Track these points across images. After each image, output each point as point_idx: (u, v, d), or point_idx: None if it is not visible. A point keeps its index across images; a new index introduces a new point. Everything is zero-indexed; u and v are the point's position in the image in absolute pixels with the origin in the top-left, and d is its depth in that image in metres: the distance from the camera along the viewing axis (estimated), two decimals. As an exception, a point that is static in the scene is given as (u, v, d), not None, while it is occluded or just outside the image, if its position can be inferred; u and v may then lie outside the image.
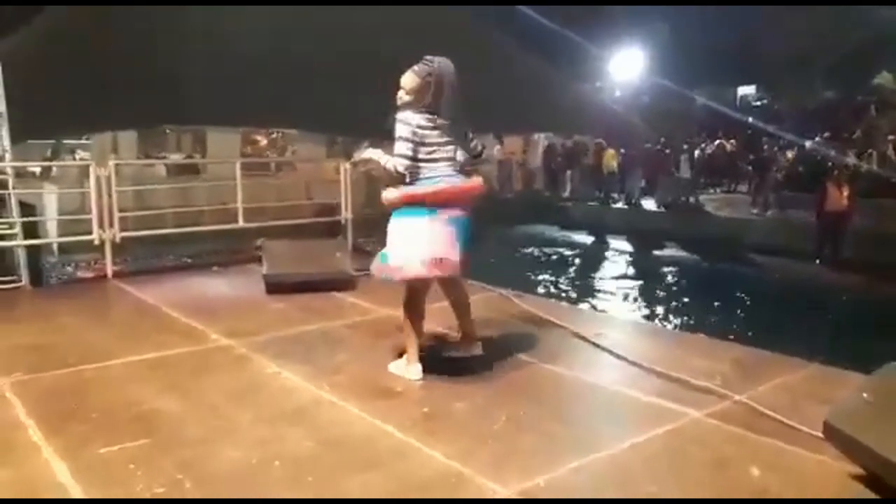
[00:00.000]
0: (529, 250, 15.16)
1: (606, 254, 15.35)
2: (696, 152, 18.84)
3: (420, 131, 3.38)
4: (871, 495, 2.40)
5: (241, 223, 6.79)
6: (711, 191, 19.64)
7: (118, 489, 2.49)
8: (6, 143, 5.63)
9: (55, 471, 2.63)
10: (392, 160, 3.41)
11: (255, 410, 3.20)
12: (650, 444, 2.86)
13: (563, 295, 10.75)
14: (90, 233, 6.11)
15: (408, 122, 3.38)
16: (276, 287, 5.43)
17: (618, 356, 3.95)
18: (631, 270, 13.45)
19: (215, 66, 6.65)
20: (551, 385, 3.57)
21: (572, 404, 3.41)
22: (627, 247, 15.78)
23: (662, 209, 17.70)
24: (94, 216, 6.04)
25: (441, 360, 3.72)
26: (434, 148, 3.43)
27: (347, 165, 7.23)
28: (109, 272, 6.16)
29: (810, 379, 3.60)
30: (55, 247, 7.76)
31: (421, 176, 3.43)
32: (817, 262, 12.50)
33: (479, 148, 3.68)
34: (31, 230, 5.92)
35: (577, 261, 14.42)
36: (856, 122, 21.65)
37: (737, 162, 19.24)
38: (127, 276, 6.32)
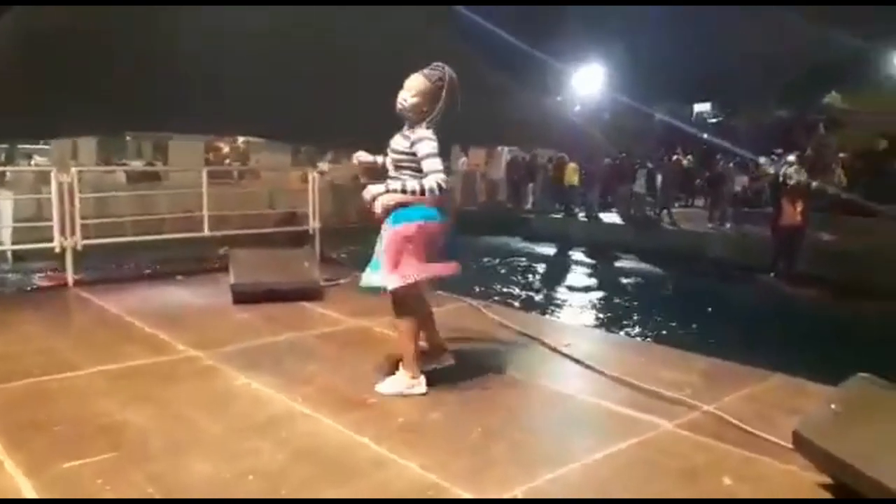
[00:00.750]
0: (495, 261, 15.23)
1: (570, 265, 15.54)
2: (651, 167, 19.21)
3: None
4: (839, 505, 2.47)
5: (206, 232, 6.67)
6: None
7: (87, 505, 2.42)
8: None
9: (19, 486, 2.55)
10: (435, 178, 3.29)
11: (226, 422, 3.14)
12: (623, 454, 2.90)
13: (529, 305, 10.81)
14: (49, 240, 5.94)
15: (433, 138, 3.34)
16: (243, 296, 5.35)
17: (587, 367, 3.99)
18: (594, 282, 13.62)
19: (180, 72, 6.55)
20: (523, 396, 3.60)
21: (545, 415, 3.43)
22: (589, 259, 16.00)
23: (622, 222, 18.01)
24: (55, 223, 5.87)
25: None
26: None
27: (317, 174, 7.17)
28: (70, 281, 6.00)
29: (775, 389, 3.69)
30: (9, 255, 7.53)
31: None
32: (772, 275, 12.85)
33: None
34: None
35: (542, 272, 14.55)
36: (807, 140, 22.39)
37: (693, 177, 19.69)
38: (88, 284, 6.15)
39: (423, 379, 3.48)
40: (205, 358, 4.07)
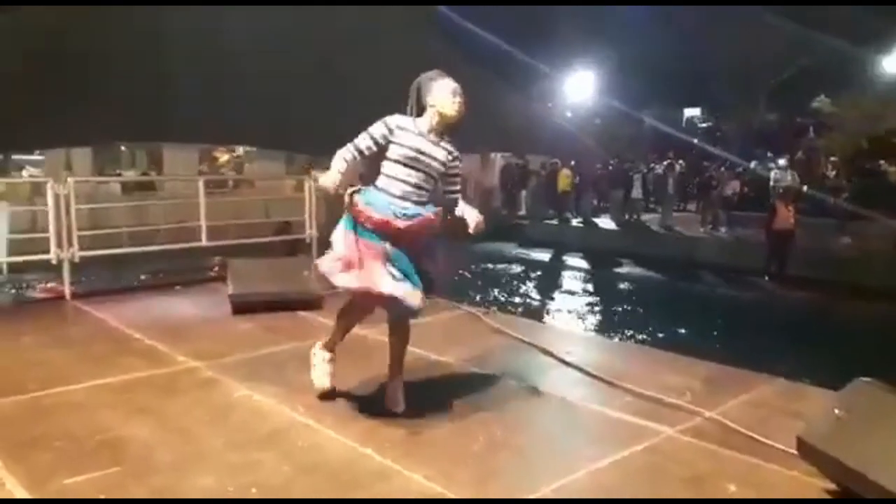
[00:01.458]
0: (491, 267, 15.25)
1: (566, 271, 15.56)
2: (645, 172, 19.30)
3: None
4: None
5: (203, 241, 6.64)
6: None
7: (90, 521, 2.40)
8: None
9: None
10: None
11: (228, 435, 3.13)
12: (627, 462, 2.90)
13: (527, 312, 10.82)
14: (46, 252, 5.90)
15: None
16: (242, 307, 5.33)
17: (588, 374, 4.00)
18: (590, 287, 13.66)
19: (175, 82, 6.55)
20: (525, 403, 3.59)
21: (548, 423, 3.43)
22: (585, 264, 16.04)
23: (616, 227, 18.08)
24: (51, 235, 5.84)
25: (417, 381, 3.70)
26: None
27: (313, 182, 7.16)
28: (68, 293, 5.96)
29: (777, 394, 3.70)
30: (5, 267, 7.47)
31: None
32: (766, 278, 12.94)
33: None
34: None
35: (538, 278, 14.57)
36: (797, 144, 22.58)
37: (684, 182, 19.79)
38: (86, 296, 6.11)
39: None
40: (205, 369, 4.05)
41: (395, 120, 3.28)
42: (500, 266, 15.56)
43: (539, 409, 3.57)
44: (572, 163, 19.03)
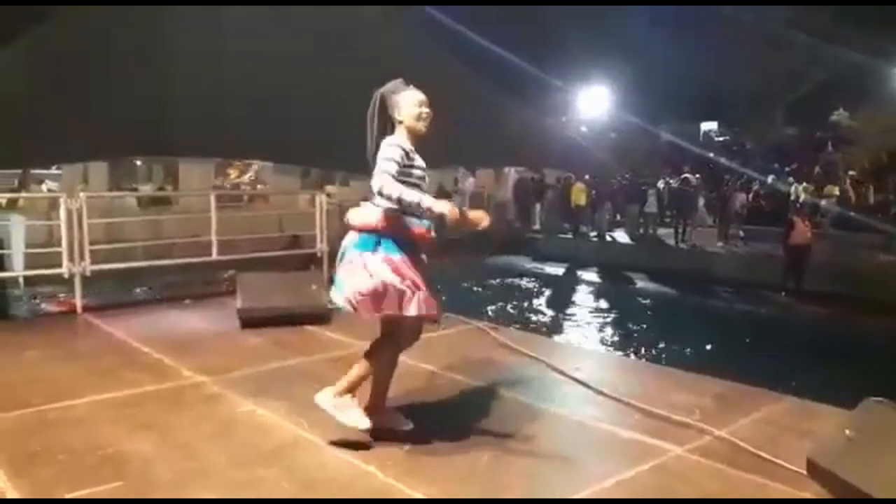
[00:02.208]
0: (504, 282, 15.20)
1: (579, 286, 15.46)
2: (661, 185, 19.17)
3: None
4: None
5: (215, 256, 6.67)
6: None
7: (89, 536, 2.39)
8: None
9: (22, 517, 2.53)
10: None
11: (231, 451, 3.11)
12: (635, 481, 2.85)
13: (537, 328, 10.75)
14: (59, 266, 5.96)
15: None
16: (250, 321, 5.33)
17: (597, 391, 3.94)
18: (603, 303, 13.55)
19: (191, 96, 6.58)
20: (532, 421, 3.54)
21: (554, 441, 3.38)
22: (599, 279, 15.93)
23: (632, 242, 17.96)
24: (64, 249, 5.90)
25: (422, 397, 3.67)
26: None
27: (324, 197, 7.19)
28: (79, 306, 6.00)
29: (788, 412, 3.63)
30: (21, 279, 7.56)
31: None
32: (783, 294, 12.78)
33: None
34: (-3, 262, 5.76)
35: (550, 293, 14.48)
36: (814, 158, 22.37)
37: (700, 196, 19.65)
38: (97, 309, 6.15)
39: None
40: (211, 384, 4.04)
41: (402, 142, 3.05)
42: (511, 280, 15.50)
43: (546, 427, 3.52)
44: (586, 177, 18.96)
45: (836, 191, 17.65)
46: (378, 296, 2.93)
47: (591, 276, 16.22)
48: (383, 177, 2.90)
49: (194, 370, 4.27)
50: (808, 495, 2.64)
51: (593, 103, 27.80)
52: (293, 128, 6.70)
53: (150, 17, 5.94)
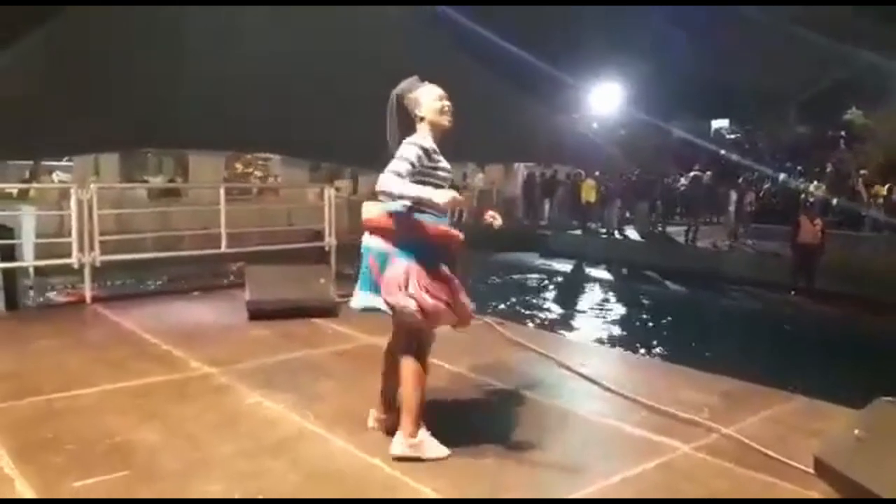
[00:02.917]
0: (512, 277, 15.17)
1: (587, 282, 15.41)
2: (672, 183, 19.11)
3: None
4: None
5: (223, 248, 6.69)
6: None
7: (96, 524, 2.41)
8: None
9: (30, 505, 2.54)
10: None
11: (237, 442, 3.12)
12: (641, 479, 2.83)
13: (545, 323, 10.73)
14: (69, 256, 5.99)
15: None
16: (258, 313, 5.35)
17: (604, 387, 3.93)
18: (611, 299, 13.51)
19: (201, 89, 6.59)
20: (538, 417, 3.53)
21: (560, 437, 3.36)
22: (607, 276, 15.88)
23: (641, 239, 17.90)
24: (74, 239, 5.93)
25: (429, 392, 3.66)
26: None
27: (333, 191, 7.19)
28: (88, 297, 6.04)
29: (796, 411, 3.61)
30: (31, 269, 7.61)
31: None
32: (792, 293, 12.70)
33: None
34: (7, 253, 5.79)
35: (558, 289, 14.46)
36: (826, 157, 22.20)
37: (712, 193, 19.55)
38: (106, 300, 6.19)
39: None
40: (218, 375, 4.06)
41: (425, 142, 2.95)
42: (520, 276, 15.47)
43: (552, 423, 3.50)
44: (597, 174, 18.90)
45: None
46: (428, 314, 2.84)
47: (599, 272, 16.16)
48: (386, 174, 2.76)
49: (202, 361, 4.29)
50: (815, 495, 2.62)
51: (605, 100, 27.62)
52: (310, 125, 6.70)
53: (168, 15, 5.95)
